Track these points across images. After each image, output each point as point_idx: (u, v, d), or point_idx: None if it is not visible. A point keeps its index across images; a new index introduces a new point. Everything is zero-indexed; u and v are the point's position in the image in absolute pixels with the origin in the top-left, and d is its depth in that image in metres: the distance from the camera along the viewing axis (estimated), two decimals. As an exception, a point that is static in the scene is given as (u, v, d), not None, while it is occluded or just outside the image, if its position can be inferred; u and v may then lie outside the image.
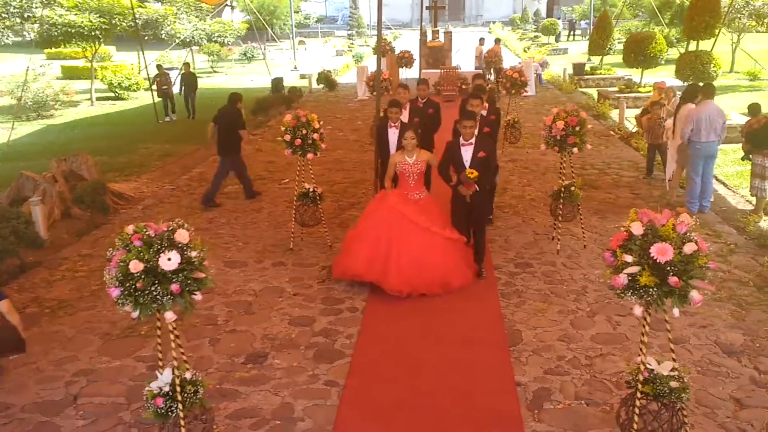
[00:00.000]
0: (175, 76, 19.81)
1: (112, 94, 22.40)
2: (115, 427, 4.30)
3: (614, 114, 15.38)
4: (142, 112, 19.15)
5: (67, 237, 8.18)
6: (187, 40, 27.37)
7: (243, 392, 4.65)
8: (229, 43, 32.50)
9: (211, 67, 31.77)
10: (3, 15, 19.87)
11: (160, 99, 17.68)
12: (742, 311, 5.69)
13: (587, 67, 23.09)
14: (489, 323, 5.62)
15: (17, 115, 16.87)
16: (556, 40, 39.31)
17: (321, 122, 7.05)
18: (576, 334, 5.37)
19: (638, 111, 12.71)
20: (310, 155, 7.00)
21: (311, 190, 7.31)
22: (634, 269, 3.27)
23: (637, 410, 3.60)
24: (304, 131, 6.86)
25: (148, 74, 21.08)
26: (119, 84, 22.29)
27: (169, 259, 3.28)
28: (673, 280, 3.19)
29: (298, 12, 45.77)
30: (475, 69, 21.46)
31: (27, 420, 4.40)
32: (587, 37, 32.47)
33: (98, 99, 21.73)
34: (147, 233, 3.37)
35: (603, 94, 17.92)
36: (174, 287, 3.31)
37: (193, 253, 3.40)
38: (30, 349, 5.14)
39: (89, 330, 5.67)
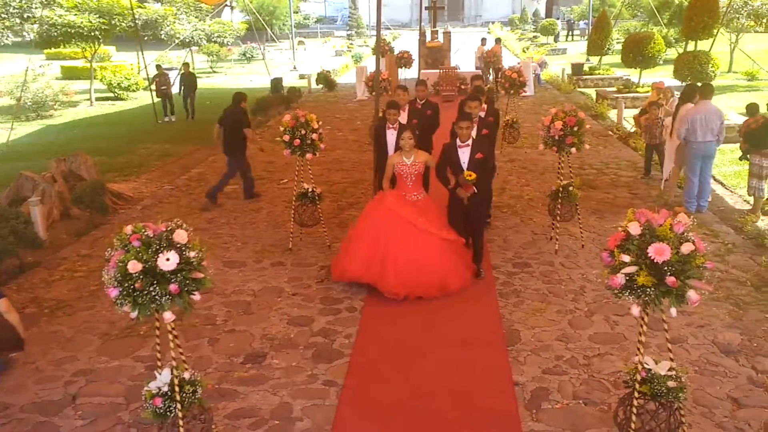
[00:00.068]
0: (174, 77, 19.80)
1: (111, 95, 22.40)
2: (114, 427, 4.31)
3: (612, 114, 15.40)
4: (142, 112, 19.15)
5: (66, 237, 8.18)
6: (187, 40, 27.38)
7: (242, 392, 4.65)
8: (229, 44, 32.51)
9: (211, 68, 31.76)
10: (3, 15, 19.88)
11: (159, 99, 17.69)
12: (740, 311, 5.70)
13: (586, 68, 23.10)
14: (487, 323, 5.62)
15: (17, 116, 16.87)
16: (555, 41, 39.34)
17: (320, 122, 7.06)
18: (574, 333, 5.38)
19: (637, 111, 12.75)
20: (309, 155, 7.01)
21: (310, 190, 7.32)
22: (632, 269, 3.28)
23: (634, 410, 3.61)
24: (303, 131, 6.87)
25: (147, 74, 21.07)
26: (119, 84, 22.29)
27: (168, 260, 3.29)
28: (670, 280, 3.20)
29: (297, 12, 45.79)
30: (476, 69, 21.48)
31: (26, 420, 4.41)
32: (586, 37, 32.48)
33: (97, 99, 21.73)
34: (145, 233, 3.37)
35: (601, 94, 17.94)
36: (173, 287, 3.32)
37: (192, 253, 3.41)
38: (29, 349, 5.15)
39: (88, 330, 5.68)
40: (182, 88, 17.90)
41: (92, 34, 20.30)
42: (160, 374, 3.66)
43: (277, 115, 16.18)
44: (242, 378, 4.85)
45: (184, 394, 3.62)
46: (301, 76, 26.23)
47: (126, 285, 3.29)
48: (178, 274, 3.34)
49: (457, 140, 6.07)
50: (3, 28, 21.66)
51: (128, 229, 3.42)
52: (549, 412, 4.34)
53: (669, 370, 3.58)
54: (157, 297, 3.32)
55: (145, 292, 3.29)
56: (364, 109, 17.51)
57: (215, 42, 30.59)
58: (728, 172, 10.31)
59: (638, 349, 3.59)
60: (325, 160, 11.24)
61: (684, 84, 14.39)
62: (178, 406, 3.58)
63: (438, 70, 19.54)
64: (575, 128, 6.77)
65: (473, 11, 59.21)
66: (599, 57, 23.41)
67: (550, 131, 6.84)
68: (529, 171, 10.79)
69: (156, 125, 17.15)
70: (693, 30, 17.14)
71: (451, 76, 18.70)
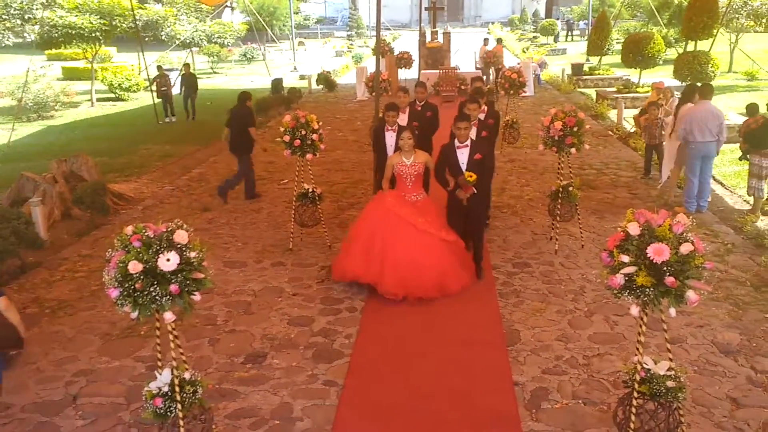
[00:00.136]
0: (175, 77, 19.82)
1: (112, 95, 22.42)
2: (115, 427, 4.32)
3: (612, 114, 15.40)
4: (143, 113, 19.17)
5: (67, 237, 8.20)
6: (187, 41, 27.37)
7: (242, 392, 4.67)
8: (229, 44, 32.48)
9: (211, 68, 31.78)
10: (4, 16, 19.88)
11: (160, 100, 17.71)
12: (739, 311, 5.71)
13: (586, 68, 23.11)
14: (487, 323, 5.63)
15: (18, 116, 16.88)
16: (555, 41, 39.35)
17: (320, 123, 7.07)
18: (574, 333, 5.39)
19: (636, 111, 12.75)
20: (309, 156, 7.02)
21: (310, 190, 7.33)
22: (631, 269, 3.29)
23: (634, 410, 3.61)
24: (304, 132, 6.88)
25: (148, 75, 21.10)
26: (119, 85, 22.30)
27: (168, 260, 3.30)
28: (669, 280, 3.20)
29: (297, 13, 45.79)
30: (476, 69, 21.48)
31: (27, 420, 4.42)
32: (586, 37, 32.49)
33: (98, 100, 21.75)
34: (146, 234, 3.38)
35: (601, 95, 17.94)
36: (173, 288, 3.33)
37: (192, 254, 3.41)
38: (30, 350, 5.16)
39: (89, 330, 5.69)
40: (183, 88, 17.92)
41: (93, 35, 20.32)
42: (160, 374, 3.67)
43: (278, 115, 16.18)
44: (243, 378, 4.86)
45: (185, 395, 3.63)
46: (302, 77, 26.24)
47: (126, 285, 3.30)
48: (179, 275, 3.35)
49: (456, 141, 6.07)
50: (4, 29, 21.66)
51: (129, 229, 3.43)
52: (549, 412, 4.35)
53: (668, 370, 3.58)
54: (157, 297, 3.32)
55: (146, 292, 3.30)
56: (364, 109, 17.52)
57: (216, 43, 30.58)
58: (728, 172, 10.32)
59: (637, 349, 3.59)
60: (325, 160, 11.25)
61: (684, 84, 14.41)
62: (179, 406, 3.58)
63: (438, 71, 19.55)
64: (575, 128, 6.78)
65: (473, 12, 59.19)
66: (599, 57, 23.41)
67: (550, 131, 6.84)
68: (528, 171, 10.80)
69: (157, 126, 17.17)
70: (693, 30, 17.15)
71: (451, 77, 18.72)
